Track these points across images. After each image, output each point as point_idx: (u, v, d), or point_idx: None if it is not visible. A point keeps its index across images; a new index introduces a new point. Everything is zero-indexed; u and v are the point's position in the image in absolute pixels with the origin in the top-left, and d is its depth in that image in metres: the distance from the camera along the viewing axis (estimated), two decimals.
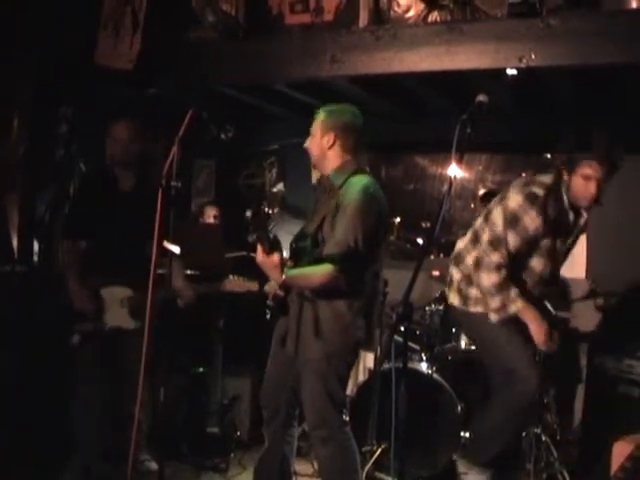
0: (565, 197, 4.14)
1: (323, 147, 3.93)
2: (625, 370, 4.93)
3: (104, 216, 4.51)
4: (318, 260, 3.74)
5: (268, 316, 3.90)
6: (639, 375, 4.84)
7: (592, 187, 4.07)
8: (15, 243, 5.21)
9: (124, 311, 4.53)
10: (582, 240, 5.85)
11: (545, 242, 4.16)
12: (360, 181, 3.82)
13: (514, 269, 4.14)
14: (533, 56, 4.22)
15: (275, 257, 3.67)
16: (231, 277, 4.06)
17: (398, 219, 6.19)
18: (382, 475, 4.71)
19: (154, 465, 4.62)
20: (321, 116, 3.93)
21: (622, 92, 5.26)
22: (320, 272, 3.69)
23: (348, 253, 3.65)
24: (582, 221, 4.32)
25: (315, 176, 4.05)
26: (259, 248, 3.68)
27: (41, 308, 4.80)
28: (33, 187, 5.42)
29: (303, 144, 3.99)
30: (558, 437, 5.00)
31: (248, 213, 3.77)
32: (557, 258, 4.29)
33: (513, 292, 4.08)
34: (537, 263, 4.22)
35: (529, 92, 5.35)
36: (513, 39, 4.38)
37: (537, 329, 4.14)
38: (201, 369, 5.69)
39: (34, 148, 5.37)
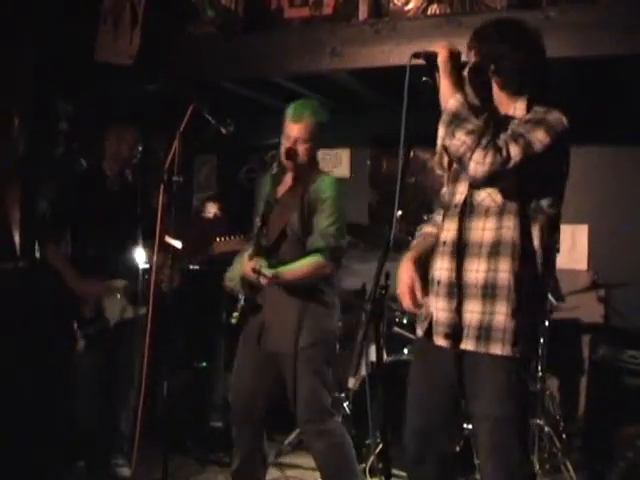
0: None
1: (314, 151, 3.95)
2: (627, 361, 4.93)
3: (93, 214, 4.56)
4: (290, 255, 3.81)
5: (234, 320, 3.84)
6: None
7: None
8: (17, 239, 5.22)
9: (123, 302, 4.57)
10: (584, 231, 5.86)
11: None
12: (332, 178, 3.95)
13: None
14: None
15: (252, 263, 3.68)
16: (217, 239, 4.05)
17: (400, 212, 6.18)
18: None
19: (126, 471, 4.65)
20: (313, 120, 3.85)
21: (621, 83, 5.25)
22: (311, 264, 3.76)
23: (334, 243, 3.78)
24: None
25: (290, 165, 3.95)
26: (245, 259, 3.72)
27: (44, 304, 4.79)
28: (34, 184, 5.42)
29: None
30: (561, 428, 5.00)
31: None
32: None
33: None
34: None
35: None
36: None
37: None
38: (204, 364, 5.70)
39: (35, 145, 5.37)
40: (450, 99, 2.72)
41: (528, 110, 2.84)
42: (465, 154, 2.63)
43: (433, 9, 4.81)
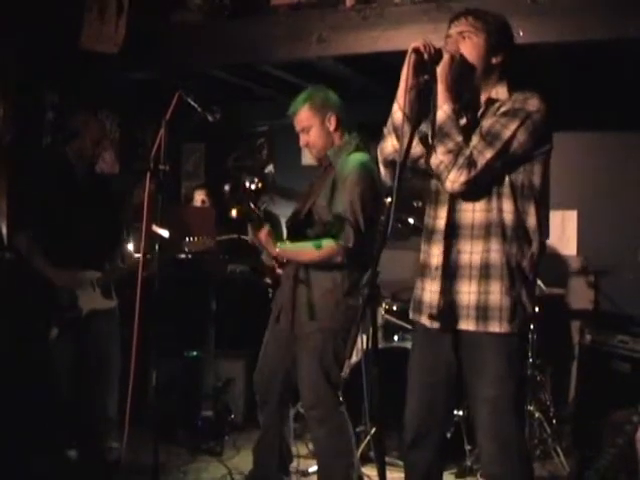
0: None
1: (328, 131, 3.93)
2: (617, 346, 4.94)
3: (60, 205, 4.53)
4: (316, 237, 3.79)
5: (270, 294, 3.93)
6: (631, 350, 4.84)
7: None
8: (4, 230, 5.19)
9: (97, 293, 4.56)
10: (573, 217, 5.86)
11: None
12: (357, 157, 3.86)
13: None
14: (521, 33, 4.18)
15: (263, 231, 3.69)
16: (188, 239, 4.10)
17: (389, 199, 6.16)
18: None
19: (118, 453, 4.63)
20: (307, 105, 3.89)
21: (609, 68, 5.23)
22: (320, 246, 3.75)
23: (350, 229, 3.71)
24: None
25: (310, 156, 4.03)
26: (249, 226, 3.70)
27: (31, 294, 4.77)
28: (21, 175, 5.38)
29: (292, 125, 3.97)
30: (551, 414, 5.01)
31: (226, 187, 3.78)
32: None
33: None
34: None
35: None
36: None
37: None
38: (194, 352, 5.69)
39: (21, 135, 5.34)
40: (439, 110, 2.78)
41: (509, 93, 2.91)
42: (443, 173, 2.77)
43: None
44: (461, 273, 2.86)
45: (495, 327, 2.80)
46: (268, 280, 3.95)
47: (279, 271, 4.00)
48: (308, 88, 4.03)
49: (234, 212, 3.70)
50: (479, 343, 2.85)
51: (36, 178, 4.72)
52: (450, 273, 2.88)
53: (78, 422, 4.65)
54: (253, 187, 3.97)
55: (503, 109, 2.83)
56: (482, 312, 2.82)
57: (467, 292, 2.85)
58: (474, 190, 2.79)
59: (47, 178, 4.61)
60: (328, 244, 3.73)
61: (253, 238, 3.80)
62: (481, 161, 2.71)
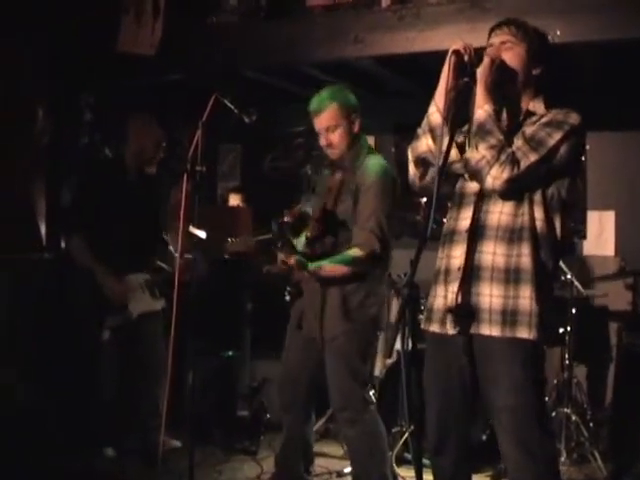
0: None
1: (353, 133, 3.89)
2: None
3: (113, 206, 4.56)
4: (340, 246, 3.79)
5: (287, 298, 3.93)
6: None
7: None
8: (43, 231, 5.25)
9: (146, 295, 4.60)
10: (611, 217, 5.80)
11: None
12: (377, 162, 3.86)
13: None
14: (558, 32, 4.15)
15: (293, 258, 3.67)
16: (229, 240, 4.11)
17: (424, 199, 6.15)
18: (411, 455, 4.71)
19: (175, 442, 4.77)
20: (334, 103, 3.82)
21: None
22: (349, 261, 3.71)
23: (374, 237, 3.69)
24: None
25: (334, 155, 3.97)
26: (280, 256, 3.69)
27: (70, 294, 4.82)
28: (59, 175, 5.45)
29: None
30: (588, 417, 4.97)
31: (274, 225, 3.78)
32: None
33: None
34: None
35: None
36: (537, 14, 4.31)
37: None
38: (230, 353, 5.71)
39: (59, 136, 5.39)
40: (479, 109, 2.77)
41: (546, 106, 2.91)
42: (484, 168, 2.74)
43: None
44: (483, 275, 2.82)
45: (524, 333, 2.75)
46: (289, 287, 3.94)
47: (298, 277, 3.95)
48: (328, 86, 3.96)
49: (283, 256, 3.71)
50: (497, 348, 2.80)
51: (91, 180, 4.77)
52: (471, 274, 2.84)
53: (123, 421, 4.70)
54: (289, 220, 3.94)
55: (545, 120, 2.82)
56: (510, 317, 2.77)
57: (488, 295, 2.80)
58: (514, 191, 2.77)
59: (102, 180, 4.65)
60: (356, 256, 3.71)
61: (282, 261, 3.76)
62: (525, 162, 2.70)
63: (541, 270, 2.80)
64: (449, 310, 2.86)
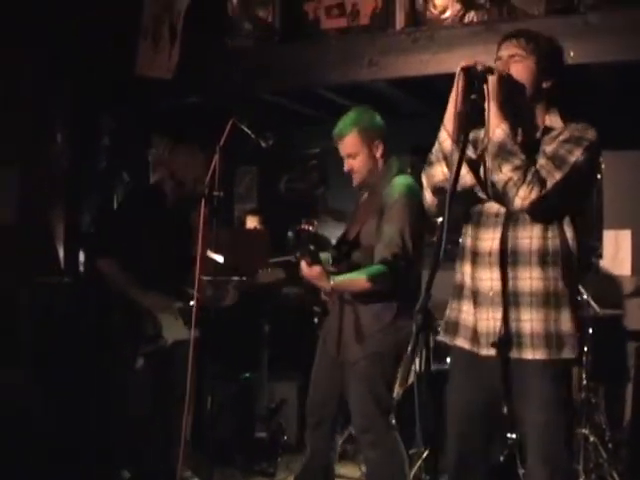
0: None
1: (376, 159, 3.90)
2: None
3: (150, 232, 4.56)
4: (363, 264, 3.76)
5: (316, 320, 3.93)
6: None
7: None
8: (62, 255, 5.29)
9: (180, 323, 4.58)
10: (627, 236, 5.79)
11: None
12: (403, 181, 3.85)
13: None
14: (572, 53, 4.17)
15: (316, 269, 3.65)
16: (261, 271, 4.12)
17: (440, 219, 6.15)
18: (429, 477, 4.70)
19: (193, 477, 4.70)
20: (355, 130, 3.83)
21: None
22: (372, 275, 3.69)
23: (397, 254, 3.68)
24: None
25: (356, 180, 4.00)
26: (302, 262, 3.68)
27: (88, 317, 4.86)
28: (78, 199, 5.49)
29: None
30: (607, 438, 4.94)
31: (290, 233, 3.79)
32: None
33: None
34: None
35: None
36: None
37: None
38: (247, 374, 5.73)
39: (78, 160, 5.45)
40: (496, 129, 2.74)
41: (564, 122, 2.91)
42: (511, 190, 2.71)
43: (470, 17, 4.78)
44: (522, 300, 2.83)
45: (569, 353, 2.80)
46: (316, 308, 3.96)
47: (325, 297, 3.98)
48: (353, 109, 3.97)
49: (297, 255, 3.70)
50: (533, 369, 2.81)
51: (129, 207, 4.80)
52: (509, 300, 2.84)
53: (146, 445, 4.70)
54: (311, 229, 3.94)
55: (563, 137, 2.82)
56: (555, 340, 2.79)
57: (529, 320, 2.81)
58: (542, 211, 2.76)
59: (139, 207, 4.66)
60: (379, 271, 3.69)
61: (306, 274, 3.77)
62: (551, 180, 2.69)
63: (573, 291, 2.85)
64: (489, 337, 2.86)
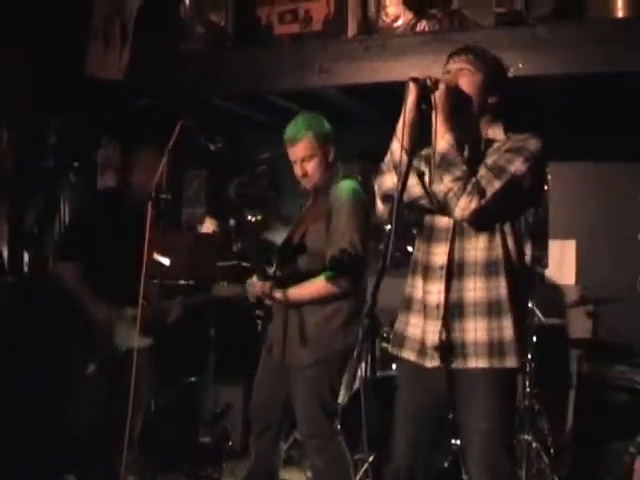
0: None
1: (329, 164, 3.91)
2: (616, 376, 4.94)
3: (109, 237, 4.50)
4: (312, 269, 3.76)
5: (259, 324, 3.92)
6: (630, 381, 4.84)
7: None
8: (5, 254, 5.21)
9: (134, 330, 4.52)
10: (572, 246, 5.87)
11: None
12: (349, 185, 3.86)
13: None
14: (520, 65, 4.22)
15: (267, 285, 3.67)
16: (219, 284, 4.10)
17: (389, 226, 6.18)
18: None
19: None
20: (309, 134, 3.84)
21: (607, 100, 5.27)
22: (319, 284, 3.71)
23: (350, 253, 3.67)
24: None
25: (308, 184, 3.99)
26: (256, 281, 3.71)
27: (31, 318, 4.78)
28: (22, 198, 5.41)
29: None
30: (549, 444, 5.00)
31: (232, 221, 3.78)
32: None
33: None
34: None
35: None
36: (501, 48, 4.38)
37: None
38: (193, 379, 5.68)
39: (23, 159, 5.37)
40: (441, 140, 2.79)
41: (506, 134, 2.97)
42: (451, 200, 2.76)
43: (422, 26, 4.82)
44: (466, 311, 2.87)
45: (512, 362, 2.83)
46: (258, 312, 3.95)
47: (268, 302, 3.96)
48: (302, 114, 3.98)
49: (239, 246, 3.70)
50: (478, 377, 2.86)
51: (88, 210, 4.73)
52: (454, 312, 2.89)
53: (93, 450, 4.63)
54: (254, 220, 3.95)
55: (505, 147, 2.87)
56: (497, 348, 2.83)
57: (473, 329, 2.86)
58: (483, 221, 2.81)
59: (100, 211, 4.61)
60: (326, 278, 3.69)
61: (254, 288, 3.77)
62: (490, 190, 2.73)
63: (517, 299, 2.88)
64: (434, 348, 2.89)
